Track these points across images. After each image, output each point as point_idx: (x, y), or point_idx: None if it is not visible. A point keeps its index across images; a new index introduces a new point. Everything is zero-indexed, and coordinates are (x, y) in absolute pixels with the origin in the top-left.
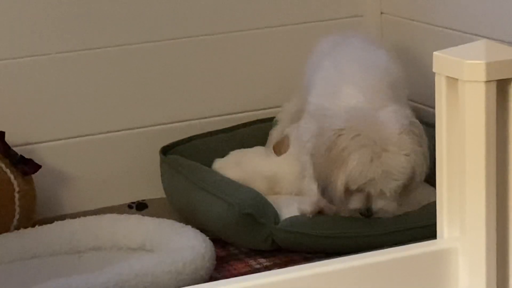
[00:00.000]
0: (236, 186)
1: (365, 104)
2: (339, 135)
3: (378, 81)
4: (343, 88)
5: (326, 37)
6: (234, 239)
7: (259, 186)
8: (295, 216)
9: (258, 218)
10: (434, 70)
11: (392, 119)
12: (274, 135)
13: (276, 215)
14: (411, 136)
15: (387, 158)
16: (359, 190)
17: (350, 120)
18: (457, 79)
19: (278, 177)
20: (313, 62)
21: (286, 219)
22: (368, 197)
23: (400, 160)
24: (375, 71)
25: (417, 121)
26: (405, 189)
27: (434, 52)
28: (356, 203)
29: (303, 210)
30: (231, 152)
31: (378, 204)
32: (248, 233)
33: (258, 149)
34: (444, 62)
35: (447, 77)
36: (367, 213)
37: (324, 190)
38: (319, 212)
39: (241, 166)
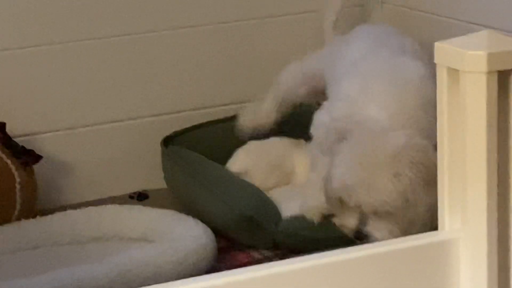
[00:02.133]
0: (238, 184)
1: (389, 130)
2: (340, 139)
3: (408, 103)
4: (368, 109)
5: (361, 30)
6: (234, 239)
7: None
8: (297, 219)
9: (259, 221)
10: (435, 61)
11: (394, 142)
12: None
13: (278, 217)
14: (407, 163)
15: (375, 174)
16: (354, 206)
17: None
18: (458, 70)
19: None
20: (342, 58)
21: (287, 221)
22: (362, 217)
23: (386, 180)
24: (406, 91)
25: (426, 150)
26: (404, 217)
27: (436, 43)
28: (349, 220)
29: (310, 217)
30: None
31: (371, 225)
32: (249, 235)
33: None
34: (446, 52)
35: (449, 68)
36: (358, 234)
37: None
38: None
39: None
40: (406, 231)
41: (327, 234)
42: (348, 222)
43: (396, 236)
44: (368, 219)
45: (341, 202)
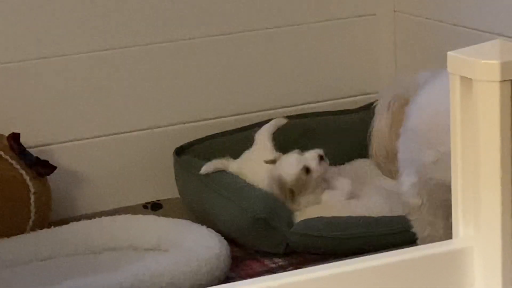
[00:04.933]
0: (249, 189)
1: None
2: None
3: None
4: None
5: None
6: (248, 242)
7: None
8: (309, 219)
9: (272, 222)
10: (448, 70)
11: None
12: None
13: (290, 219)
14: None
15: None
16: None
17: None
18: (471, 79)
19: None
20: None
21: (299, 222)
22: None
23: None
24: None
25: None
26: None
27: (448, 52)
28: None
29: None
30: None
31: None
32: (262, 237)
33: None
34: (458, 62)
35: (462, 77)
36: None
37: None
38: None
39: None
40: None
41: (339, 234)
42: None
43: None
44: None
45: None
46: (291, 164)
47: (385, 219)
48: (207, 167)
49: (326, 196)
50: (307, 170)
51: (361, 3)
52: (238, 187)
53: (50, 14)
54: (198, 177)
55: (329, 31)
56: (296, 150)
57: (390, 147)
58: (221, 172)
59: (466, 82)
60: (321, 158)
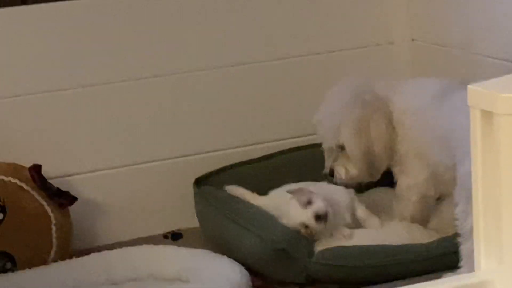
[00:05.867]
0: (269, 219)
1: None
2: None
3: None
4: None
5: None
6: (268, 272)
7: None
8: (329, 249)
9: (292, 253)
10: (468, 103)
11: None
12: None
13: (310, 249)
14: None
15: None
16: None
17: None
18: (492, 112)
19: None
20: None
21: (319, 252)
22: None
23: None
24: None
25: None
26: None
27: (469, 86)
28: None
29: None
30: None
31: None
32: (282, 267)
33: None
34: (479, 95)
35: (482, 110)
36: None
37: None
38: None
39: None
40: None
41: (360, 263)
42: None
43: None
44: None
45: None
46: (290, 217)
47: (405, 248)
48: (233, 189)
49: (357, 235)
50: (305, 226)
51: (379, 32)
52: (258, 217)
53: (69, 45)
54: (218, 207)
55: (348, 60)
56: (292, 189)
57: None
58: (241, 202)
59: (487, 115)
60: (317, 218)
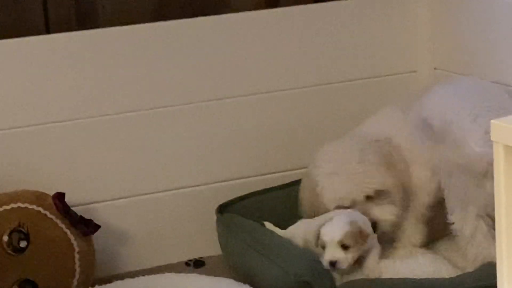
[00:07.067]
0: (293, 250)
1: None
2: None
3: None
4: None
5: None
6: None
7: None
8: (352, 281)
9: (315, 285)
10: (492, 138)
11: None
12: None
13: (332, 282)
14: None
15: None
16: None
17: None
18: None
19: None
20: None
21: (342, 285)
22: None
23: None
24: None
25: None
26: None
27: (492, 121)
28: None
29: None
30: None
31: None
32: None
33: None
34: (502, 130)
35: (506, 145)
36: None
37: None
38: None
39: None
40: None
41: None
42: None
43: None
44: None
45: None
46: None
47: (429, 281)
48: (270, 226)
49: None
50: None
51: (401, 60)
52: (282, 248)
53: (95, 73)
54: (240, 236)
55: (371, 88)
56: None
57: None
58: (265, 231)
59: (510, 150)
60: (332, 264)
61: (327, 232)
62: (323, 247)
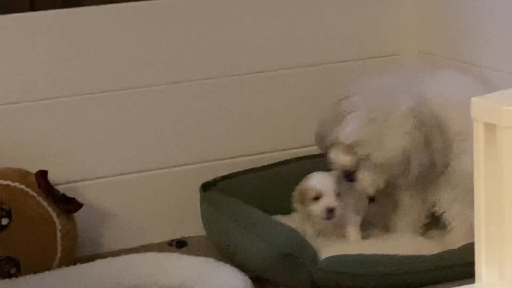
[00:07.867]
0: (276, 225)
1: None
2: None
3: None
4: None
5: None
6: (273, 278)
7: None
8: (334, 256)
9: (297, 258)
10: (472, 116)
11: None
12: None
13: (315, 255)
14: (415, 122)
15: (386, 130)
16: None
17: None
18: (495, 125)
19: None
20: None
21: (325, 259)
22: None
23: (396, 136)
24: None
25: (429, 114)
26: (396, 171)
27: (472, 98)
28: (345, 158)
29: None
30: None
31: (361, 172)
32: (287, 273)
33: None
34: (482, 107)
35: (485, 123)
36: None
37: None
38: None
39: None
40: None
41: (365, 271)
42: (343, 159)
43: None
44: (361, 166)
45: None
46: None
47: (410, 258)
48: None
49: (363, 244)
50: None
51: (386, 43)
52: (265, 222)
53: (78, 52)
54: (224, 211)
55: (354, 71)
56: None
57: None
58: (248, 208)
59: (490, 128)
60: (329, 211)
61: (320, 181)
62: (317, 198)
